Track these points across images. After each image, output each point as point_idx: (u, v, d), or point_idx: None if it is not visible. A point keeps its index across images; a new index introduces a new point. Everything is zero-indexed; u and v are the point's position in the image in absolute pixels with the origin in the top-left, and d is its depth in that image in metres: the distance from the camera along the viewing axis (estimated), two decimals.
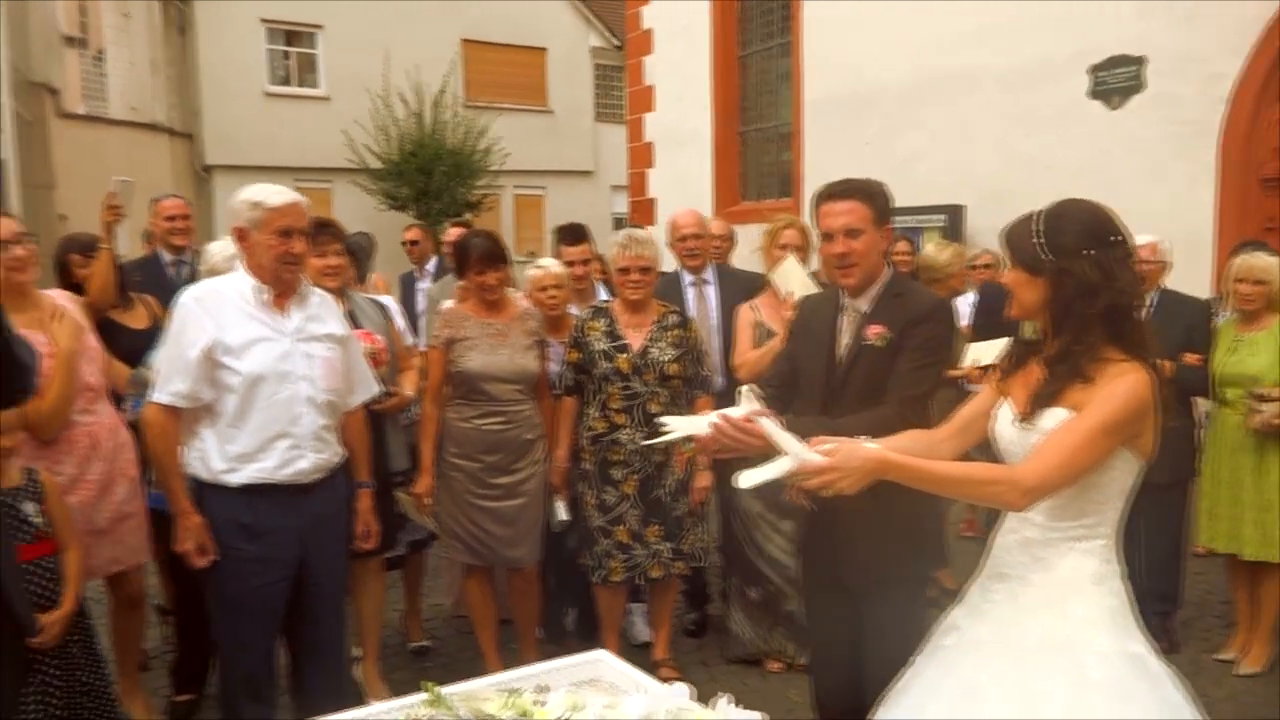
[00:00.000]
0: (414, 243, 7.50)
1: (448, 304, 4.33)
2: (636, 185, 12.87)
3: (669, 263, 4.74)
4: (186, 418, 3.00)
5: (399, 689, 3.86)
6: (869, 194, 2.76)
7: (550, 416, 4.08)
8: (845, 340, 2.82)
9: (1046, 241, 2.03)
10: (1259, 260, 4.20)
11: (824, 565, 2.87)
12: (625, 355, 3.95)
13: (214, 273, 3.55)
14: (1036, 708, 1.95)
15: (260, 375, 2.95)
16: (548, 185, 22.45)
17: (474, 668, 4.04)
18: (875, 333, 2.74)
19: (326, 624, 3.23)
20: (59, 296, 3.54)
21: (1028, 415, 2.07)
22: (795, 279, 4.09)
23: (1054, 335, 2.08)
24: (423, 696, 1.77)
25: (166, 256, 5.04)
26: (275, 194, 3.01)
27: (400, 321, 4.45)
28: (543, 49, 22.38)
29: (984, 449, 2.35)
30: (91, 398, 3.45)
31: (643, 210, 12.47)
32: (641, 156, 12.73)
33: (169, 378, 2.97)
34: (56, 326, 3.26)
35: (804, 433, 2.05)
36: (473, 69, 21.22)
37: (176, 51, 19.53)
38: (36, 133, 14.60)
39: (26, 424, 3.09)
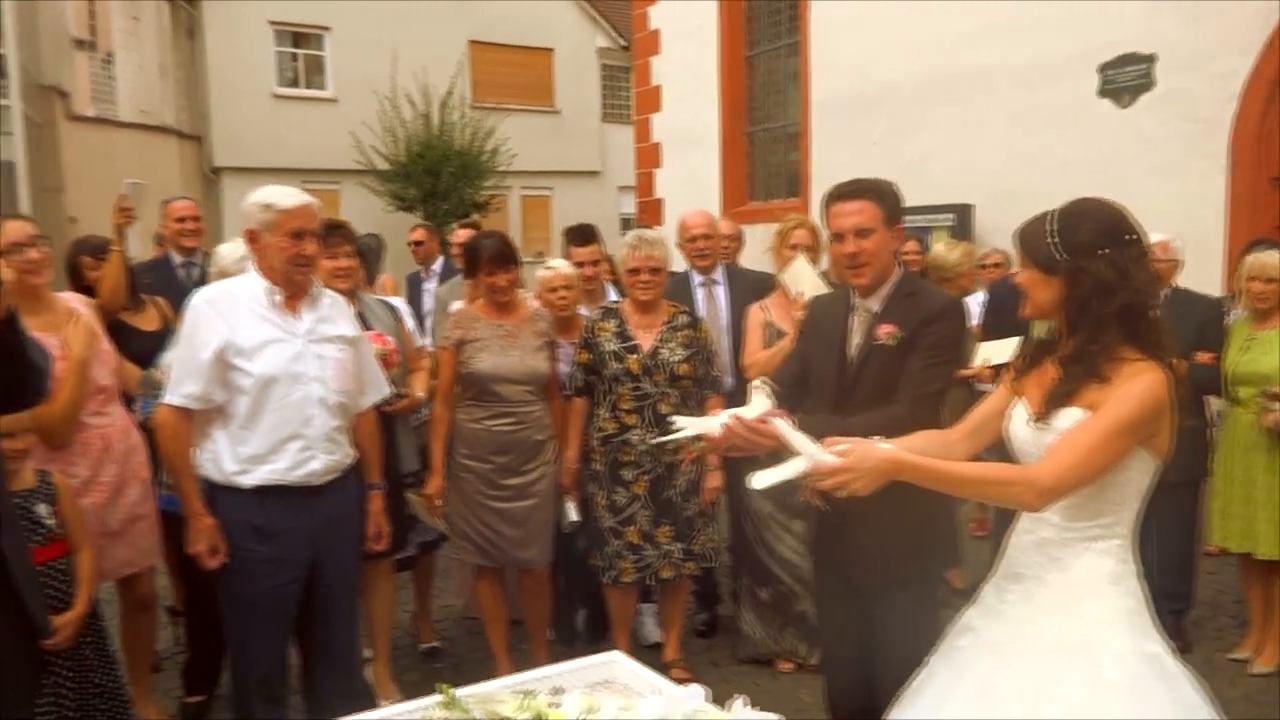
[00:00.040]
0: (418, 243, 7.50)
1: (457, 305, 4.33)
2: (644, 185, 12.87)
3: (678, 263, 4.73)
4: (199, 419, 3.01)
5: (409, 690, 3.87)
6: (880, 194, 2.75)
7: (560, 417, 4.08)
8: (856, 340, 2.81)
9: (1061, 241, 2.02)
10: (1271, 258, 4.18)
11: (835, 565, 2.86)
12: (635, 356, 3.95)
13: (224, 275, 3.56)
14: (1052, 708, 1.94)
15: (272, 377, 2.95)
16: (555, 186, 22.46)
17: (484, 669, 4.05)
18: (886, 332, 2.73)
19: (338, 625, 3.23)
20: (72, 300, 3.55)
21: (1043, 415, 2.06)
22: (806, 279, 4.07)
23: (1069, 335, 2.07)
24: (437, 698, 1.77)
25: (177, 258, 5.06)
26: (287, 196, 3.01)
27: (410, 323, 4.46)
28: (549, 49, 22.40)
29: (995, 449, 2.34)
30: (104, 400, 3.46)
31: (650, 210, 12.47)
32: (649, 157, 12.73)
33: (181, 379, 2.97)
34: (70, 331, 3.27)
35: (815, 432, 2.05)
36: (480, 70, 21.24)
37: (185, 54, 19.59)
38: (46, 135, 14.65)
39: (37, 428, 3.10)
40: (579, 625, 4.61)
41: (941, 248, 5.67)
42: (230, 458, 2.98)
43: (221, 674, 3.89)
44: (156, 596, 3.87)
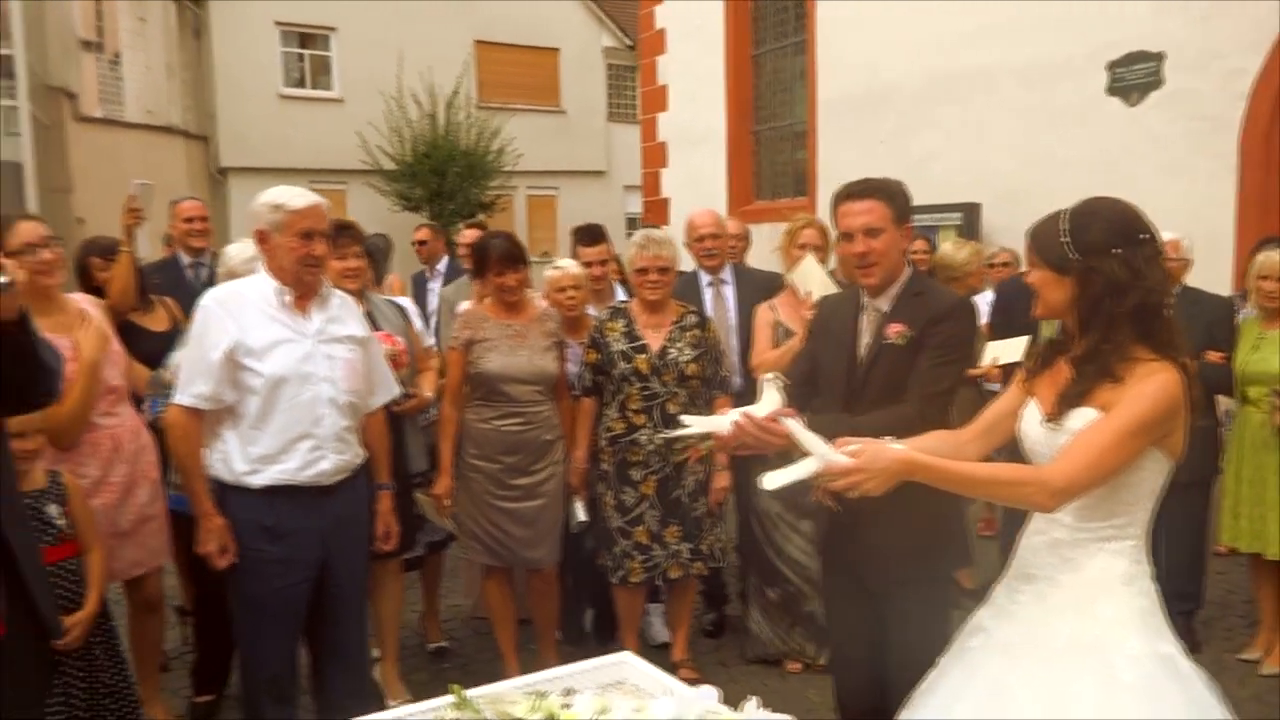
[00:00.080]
0: (422, 243, 7.50)
1: (464, 305, 4.33)
2: (650, 185, 12.86)
3: (686, 263, 4.73)
4: (209, 419, 3.02)
5: (417, 690, 3.88)
6: (889, 193, 2.75)
7: (569, 417, 4.08)
8: (866, 340, 2.81)
9: (1073, 240, 2.01)
10: None
11: (846, 565, 2.85)
12: (644, 356, 3.95)
13: (232, 275, 3.57)
14: (1066, 709, 1.93)
15: (282, 377, 2.96)
16: (560, 186, 22.46)
17: (492, 668, 4.05)
18: (896, 331, 2.72)
19: (347, 625, 3.24)
20: (83, 301, 3.55)
21: (1055, 415, 2.05)
22: (814, 279, 4.07)
23: (1081, 335, 2.06)
24: (449, 699, 1.77)
25: (185, 259, 5.07)
26: (296, 196, 3.02)
27: (418, 323, 4.46)
28: (555, 49, 22.40)
29: (1005, 450, 2.33)
30: (114, 400, 3.46)
31: (656, 210, 12.47)
32: (655, 156, 12.73)
33: (191, 379, 2.98)
34: (81, 334, 3.27)
35: (824, 431, 2.04)
36: (485, 70, 21.25)
37: (192, 55, 19.64)
38: (54, 136, 14.69)
39: (47, 429, 3.10)
40: (587, 625, 4.61)
41: (949, 247, 5.65)
42: (240, 458, 2.99)
43: (231, 674, 3.90)
44: (164, 597, 3.88)
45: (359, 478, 3.21)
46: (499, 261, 3.92)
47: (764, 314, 4.26)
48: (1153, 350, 2.00)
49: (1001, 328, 4.76)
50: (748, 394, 3.86)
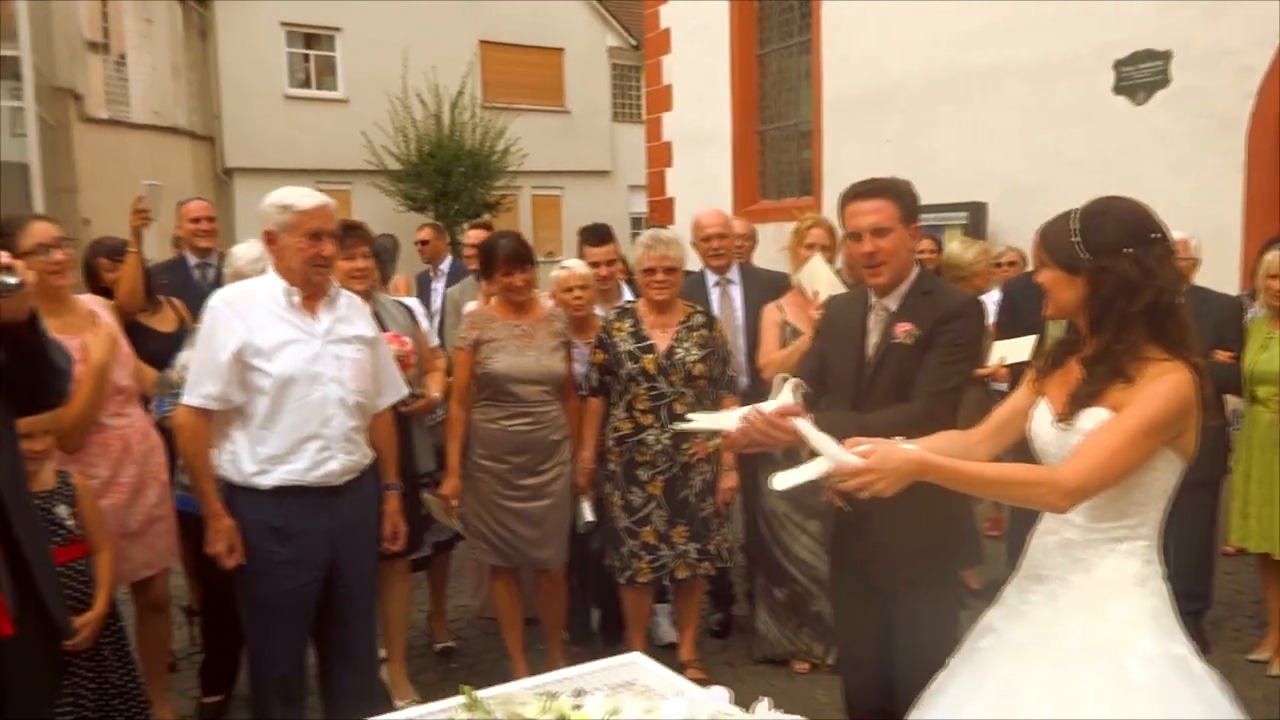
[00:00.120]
0: (424, 242, 7.49)
1: (471, 306, 4.33)
2: (655, 185, 12.87)
3: (692, 262, 4.72)
4: (218, 420, 3.02)
5: (425, 690, 3.88)
6: (896, 192, 2.74)
7: (576, 417, 4.08)
8: (874, 339, 2.80)
9: (1084, 240, 2.00)
10: None
11: (854, 565, 2.85)
12: (651, 356, 3.95)
13: (239, 276, 3.57)
14: (1078, 710, 1.93)
15: (291, 377, 2.96)
16: (565, 185, 22.49)
17: (500, 669, 4.05)
18: (904, 330, 2.72)
19: (356, 626, 3.24)
20: (93, 303, 3.56)
21: (1066, 415, 2.04)
22: (822, 278, 4.06)
23: (1092, 334, 2.05)
24: (459, 700, 1.76)
25: (192, 259, 5.08)
26: (304, 197, 3.02)
27: (425, 324, 4.46)
28: (560, 49, 22.43)
29: (1014, 450, 2.33)
30: (123, 401, 3.46)
31: (662, 210, 12.47)
32: (660, 156, 12.73)
33: (200, 380, 2.98)
34: (91, 336, 3.28)
35: (832, 430, 2.04)
36: (490, 70, 21.29)
37: (197, 55, 19.68)
38: (60, 137, 14.73)
39: (55, 430, 3.11)
40: (594, 625, 4.61)
41: (957, 246, 5.64)
42: (249, 458, 2.99)
43: (239, 674, 3.91)
44: (170, 597, 3.89)
45: (367, 478, 3.21)
46: (507, 261, 3.92)
47: (771, 314, 4.26)
48: (1165, 350, 1.99)
49: (1008, 327, 4.75)
50: (754, 394, 3.86)
